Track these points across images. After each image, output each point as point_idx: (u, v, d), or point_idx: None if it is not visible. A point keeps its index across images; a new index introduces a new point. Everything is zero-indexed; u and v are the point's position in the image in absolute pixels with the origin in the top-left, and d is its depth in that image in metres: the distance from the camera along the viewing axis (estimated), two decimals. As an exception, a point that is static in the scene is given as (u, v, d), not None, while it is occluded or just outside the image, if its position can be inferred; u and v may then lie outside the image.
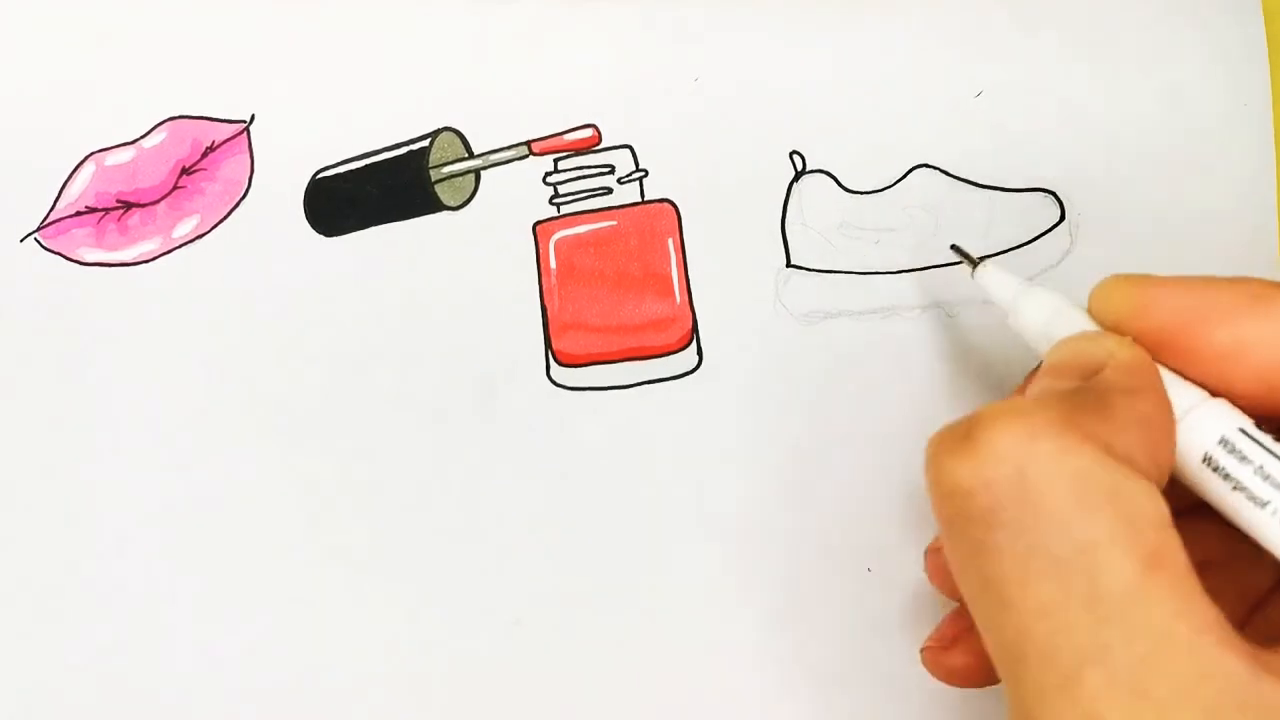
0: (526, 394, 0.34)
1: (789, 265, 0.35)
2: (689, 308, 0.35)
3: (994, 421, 0.22)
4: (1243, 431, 0.24)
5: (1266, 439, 0.24)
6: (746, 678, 0.33)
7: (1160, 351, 0.26)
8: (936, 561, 0.30)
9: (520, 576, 0.34)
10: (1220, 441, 0.24)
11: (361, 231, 0.36)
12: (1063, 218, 0.35)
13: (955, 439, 0.23)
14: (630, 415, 0.34)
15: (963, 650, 0.29)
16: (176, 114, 0.37)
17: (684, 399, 0.34)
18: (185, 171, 0.36)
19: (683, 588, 0.33)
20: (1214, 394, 0.25)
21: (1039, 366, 0.29)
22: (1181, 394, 0.25)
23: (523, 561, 0.34)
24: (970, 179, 0.35)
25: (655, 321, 0.35)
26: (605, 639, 0.33)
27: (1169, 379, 0.25)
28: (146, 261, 0.36)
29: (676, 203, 0.35)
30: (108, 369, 0.35)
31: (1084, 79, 0.36)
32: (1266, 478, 0.23)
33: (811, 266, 0.35)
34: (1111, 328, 0.27)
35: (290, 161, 0.36)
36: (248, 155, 0.36)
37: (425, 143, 0.36)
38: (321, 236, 0.36)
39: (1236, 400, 0.25)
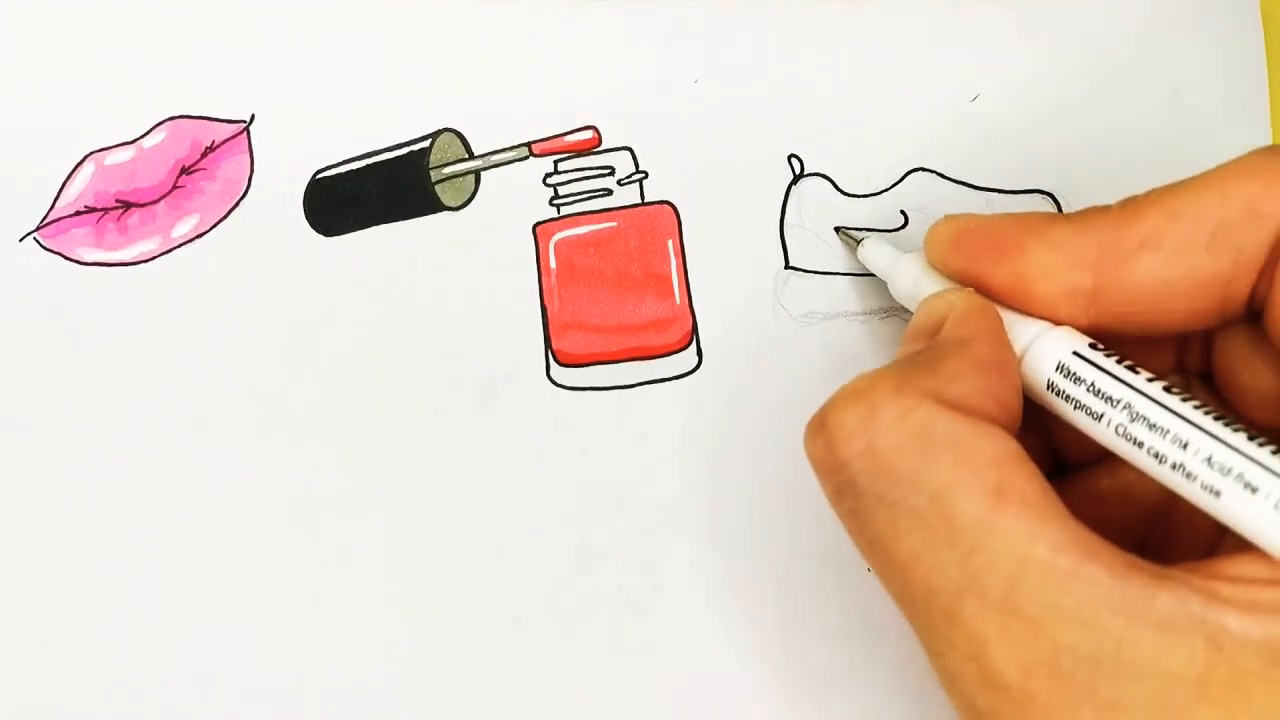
0: (526, 394, 0.34)
1: (788, 266, 0.35)
2: (689, 308, 0.35)
3: (839, 405, 0.25)
4: (1076, 354, 0.26)
5: (1099, 356, 0.26)
6: (746, 678, 0.33)
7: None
8: None
9: (520, 576, 0.34)
10: (1057, 367, 0.26)
11: (361, 231, 0.36)
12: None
13: (813, 427, 0.25)
14: (630, 415, 0.34)
15: None
16: (176, 114, 0.37)
17: (684, 399, 0.34)
18: (185, 171, 0.36)
19: (682, 588, 0.33)
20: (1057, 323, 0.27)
21: None
22: (1024, 329, 0.27)
23: (523, 561, 0.34)
24: (968, 182, 0.35)
25: (655, 322, 0.35)
26: (605, 639, 0.33)
27: (1011, 318, 0.27)
28: (146, 261, 0.36)
29: (676, 204, 0.36)
30: (107, 369, 0.35)
31: (1082, 81, 0.36)
32: (1098, 393, 0.25)
33: (810, 268, 0.35)
34: (938, 269, 0.29)
35: (290, 161, 0.36)
36: (247, 155, 0.36)
37: (425, 143, 0.36)
38: (321, 236, 0.36)
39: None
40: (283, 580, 0.34)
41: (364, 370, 0.35)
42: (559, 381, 0.35)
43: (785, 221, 0.35)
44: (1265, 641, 0.21)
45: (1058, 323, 0.27)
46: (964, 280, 0.28)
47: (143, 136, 0.37)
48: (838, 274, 0.35)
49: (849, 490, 0.24)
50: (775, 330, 0.35)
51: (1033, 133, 0.36)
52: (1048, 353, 0.26)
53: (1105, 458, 0.29)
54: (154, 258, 0.36)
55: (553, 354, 0.35)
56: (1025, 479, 0.23)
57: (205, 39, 0.37)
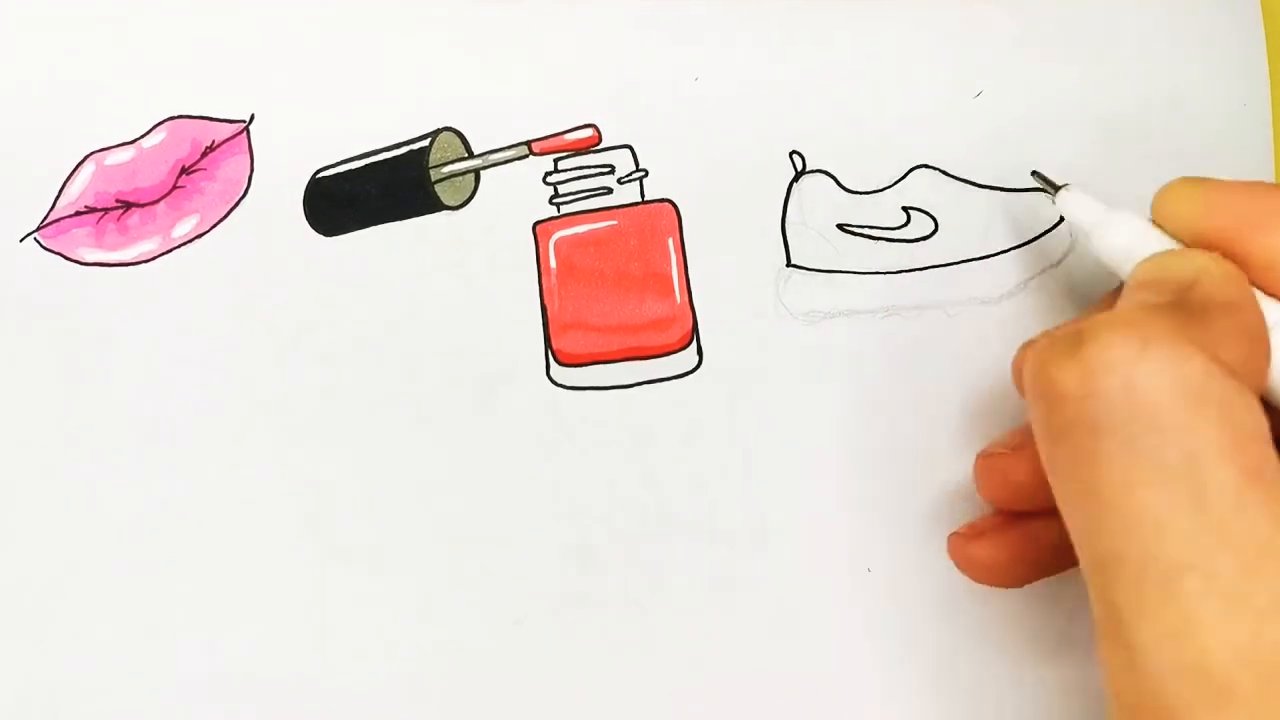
0: (526, 394, 0.34)
1: (789, 265, 0.35)
2: (689, 308, 0.35)
3: (1106, 331, 0.22)
4: None
5: None
6: (745, 678, 0.33)
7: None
8: (991, 466, 0.31)
9: (520, 576, 0.34)
10: None
11: (361, 231, 0.36)
12: (1062, 218, 0.35)
13: (1065, 347, 0.23)
14: (630, 415, 0.34)
15: (989, 543, 0.30)
16: (176, 114, 0.37)
17: (684, 399, 0.34)
18: (185, 171, 0.36)
19: (682, 588, 0.33)
20: None
21: (1116, 289, 0.29)
22: (1270, 310, 0.25)
23: (523, 561, 0.34)
24: (970, 179, 0.35)
25: (655, 321, 0.35)
26: (605, 639, 0.33)
27: (1257, 295, 0.25)
28: (146, 261, 0.36)
29: (676, 203, 0.35)
30: (107, 369, 0.35)
31: (1083, 79, 0.36)
32: None
33: (811, 266, 0.35)
34: (1174, 233, 0.27)
35: (290, 161, 0.36)
36: (247, 155, 0.36)
37: (425, 142, 0.36)
38: (321, 236, 0.36)
39: None
40: (282, 580, 0.34)
41: (364, 370, 0.35)
42: (559, 381, 0.35)
43: (787, 219, 0.35)
44: None
45: None
46: (1211, 246, 0.26)
47: (143, 136, 0.37)
48: (839, 272, 0.35)
49: (1088, 426, 0.22)
50: (776, 330, 0.35)
51: (1035, 130, 0.35)
52: None
53: None
54: (154, 258, 0.36)
55: (553, 354, 0.35)
56: (1277, 462, 0.22)
57: (205, 39, 0.37)
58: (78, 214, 0.36)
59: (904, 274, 0.35)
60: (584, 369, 0.35)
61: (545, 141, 0.36)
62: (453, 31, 0.36)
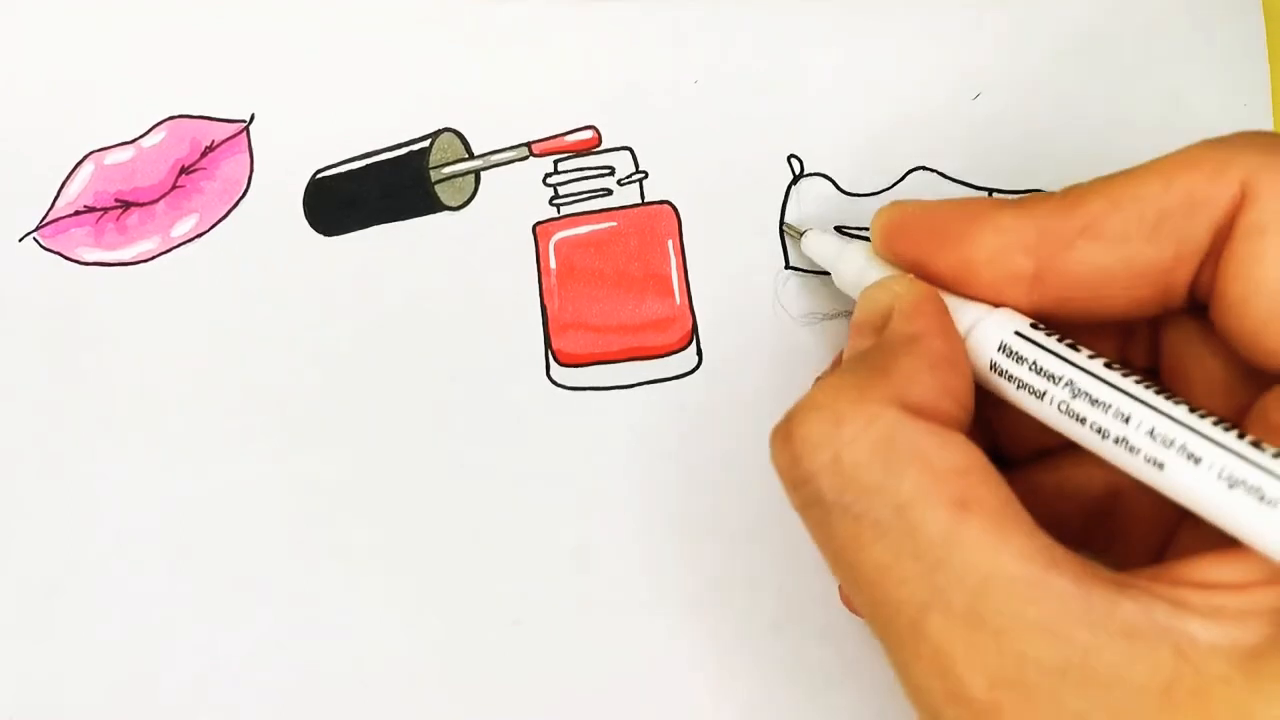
0: (526, 394, 0.34)
1: (788, 267, 0.35)
2: (689, 308, 0.35)
3: (804, 417, 0.24)
4: (1017, 333, 0.26)
5: (1040, 335, 0.26)
6: (745, 678, 0.33)
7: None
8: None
9: (520, 576, 0.34)
10: (999, 347, 0.26)
11: (361, 231, 0.36)
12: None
13: (779, 439, 0.25)
14: (630, 415, 0.34)
15: None
16: (176, 113, 0.37)
17: (684, 399, 0.34)
18: (184, 171, 0.36)
19: (682, 588, 0.33)
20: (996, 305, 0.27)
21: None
22: (966, 312, 0.27)
23: (522, 561, 0.34)
24: (969, 181, 0.35)
25: (655, 321, 0.35)
26: (605, 639, 0.33)
27: (954, 302, 0.27)
28: (145, 261, 0.36)
29: (676, 204, 0.35)
30: (107, 368, 0.35)
31: (1083, 80, 0.36)
32: (1040, 371, 0.25)
33: (810, 268, 0.35)
34: (882, 255, 0.29)
35: (290, 161, 0.36)
36: (247, 155, 0.36)
37: (425, 143, 0.36)
38: (321, 236, 0.36)
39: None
40: (282, 580, 0.34)
41: (364, 370, 0.35)
42: (559, 381, 0.35)
43: (785, 221, 0.35)
44: (1231, 648, 0.21)
45: (999, 305, 0.27)
46: (907, 267, 0.28)
47: (142, 136, 0.37)
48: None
49: (816, 503, 0.24)
50: (775, 330, 0.35)
51: (1034, 132, 0.35)
52: (990, 333, 0.26)
53: (1045, 454, 0.29)
54: (154, 257, 0.36)
55: (553, 354, 0.35)
56: (989, 488, 0.23)
57: (205, 39, 0.37)
58: (77, 213, 0.36)
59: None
60: (584, 369, 0.35)
61: (545, 143, 0.36)
62: (453, 32, 0.37)
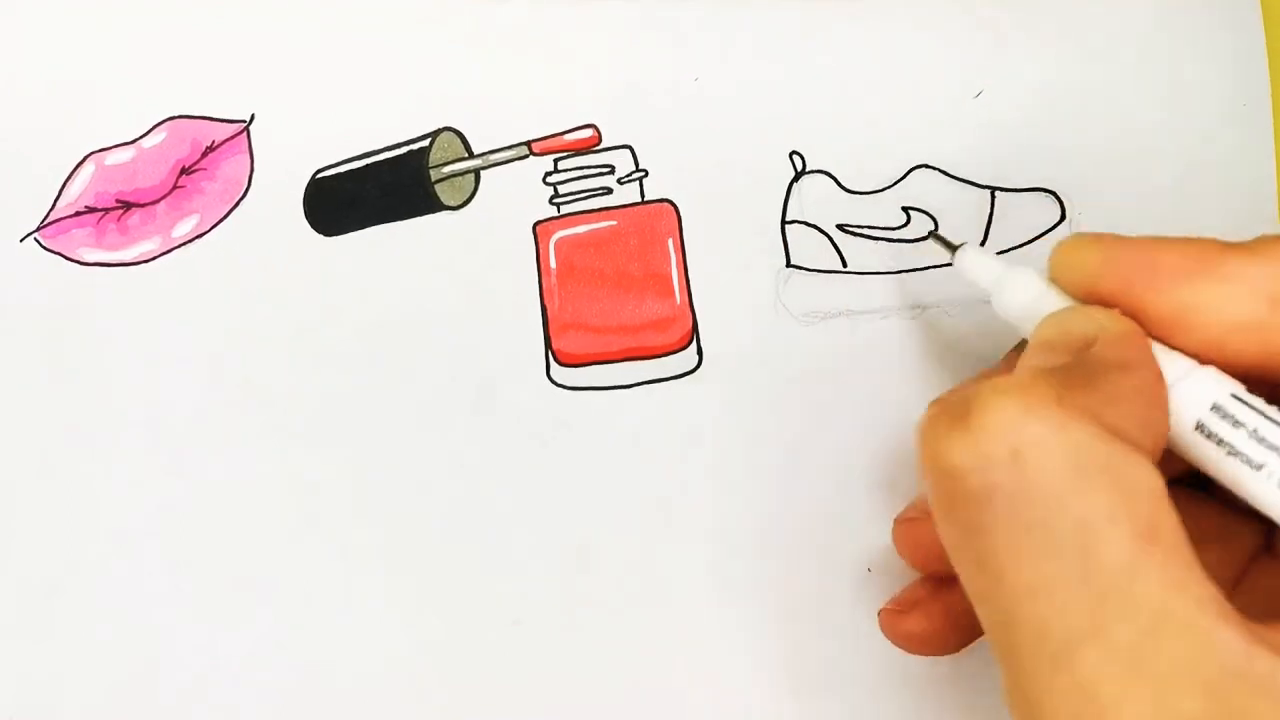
0: (526, 394, 0.34)
1: (789, 265, 0.35)
2: (689, 308, 0.35)
3: (989, 400, 0.22)
4: (1235, 397, 0.24)
5: (1258, 402, 0.24)
6: (745, 678, 0.33)
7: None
8: (907, 532, 0.30)
9: (520, 576, 0.34)
10: (1213, 408, 0.24)
11: (361, 231, 0.36)
12: (1063, 217, 0.35)
13: (950, 418, 0.22)
14: (630, 415, 0.34)
15: (920, 616, 0.30)
16: (176, 114, 0.37)
17: (684, 399, 0.34)
18: (185, 171, 0.36)
19: (682, 588, 0.33)
20: (1203, 362, 0.25)
21: (1019, 345, 0.29)
22: (1171, 364, 0.25)
23: (522, 561, 0.34)
24: (970, 179, 0.35)
25: (655, 321, 0.35)
26: (605, 639, 0.33)
27: (1158, 350, 0.25)
28: (146, 261, 0.36)
29: (676, 203, 0.35)
30: (107, 369, 0.35)
31: (1084, 79, 0.36)
32: (1261, 440, 0.23)
33: (811, 267, 0.35)
34: (1072, 290, 0.27)
35: (290, 161, 0.36)
36: (248, 155, 0.36)
37: (425, 142, 0.36)
38: (321, 236, 0.36)
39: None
40: (282, 580, 0.34)
41: (364, 370, 0.35)
42: (559, 381, 0.35)
43: (787, 219, 0.35)
44: None
45: (1205, 362, 0.25)
46: (1109, 303, 0.26)
47: (143, 136, 0.37)
48: (839, 273, 0.35)
49: (976, 498, 0.22)
50: (776, 330, 0.35)
51: (1035, 130, 0.35)
52: (1201, 392, 0.24)
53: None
54: (154, 258, 0.36)
55: (553, 354, 0.35)
56: (1173, 523, 0.21)
57: (205, 39, 0.37)
58: (78, 214, 0.36)
59: (904, 274, 0.35)
60: (584, 369, 0.35)
61: (545, 141, 0.36)
62: (453, 31, 0.36)
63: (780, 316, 0.35)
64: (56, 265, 0.36)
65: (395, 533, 0.34)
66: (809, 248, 0.35)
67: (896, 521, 0.31)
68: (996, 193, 0.35)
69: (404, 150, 0.36)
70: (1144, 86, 0.35)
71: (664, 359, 0.35)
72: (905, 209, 0.35)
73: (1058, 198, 0.35)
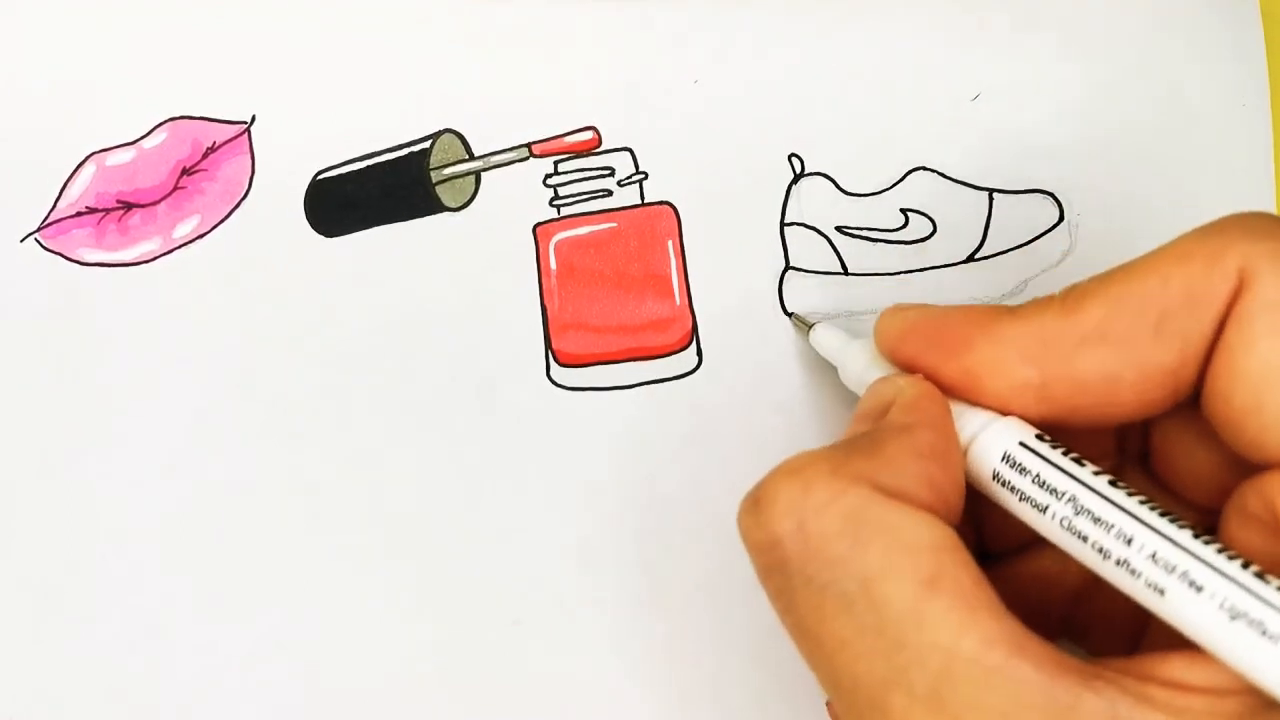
0: (526, 394, 0.34)
1: (788, 266, 0.35)
2: (689, 308, 0.35)
3: (774, 483, 0.24)
4: (1022, 444, 0.25)
5: (1045, 447, 0.25)
6: (745, 678, 0.33)
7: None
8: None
9: (520, 576, 0.34)
10: (1003, 458, 0.25)
11: (362, 232, 0.36)
12: (1062, 218, 0.35)
13: (748, 503, 0.25)
14: (630, 415, 0.34)
15: None
16: (177, 114, 0.37)
17: (684, 399, 0.34)
18: (186, 172, 0.36)
19: (682, 588, 0.33)
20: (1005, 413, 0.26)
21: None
22: (971, 419, 0.26)
23: (522, 561, 0.34)
24: (969, 181, 0.35)
25: (655, 322, 0.35)
26: (605, 639, 0.33)
27: (960, 407, 0.26)
28: (147, 262, 0.36)
29: (676, 205, 0.35)
30: (108, 369, 0.35)
31: (1082, 80, 0.36)
32: (1043, 485, 0.25)
33: (810, 268, 0.35)
34: (888, 358, 0.29)
35: (291, 162, 0.36)
36: (248, 156, 0.36)
37: (426, 144, 0.36)
38: (322, 237, 0.36)
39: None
40: (282, 580, 0.34)
41: (364, 370, 0.35)
42: (559, 381, 0.35)
43: (786, 221, 0.35)
44: None
45: (1006, 414, 0.26)
46: (916, 370, 0.27)
47: (144, 137, 0.37)
48: (838, 274, 0.35)
49: (778, 570, 0.24)
50: (775, 330, 0.35)
51: (1034, 132, 0.36)
52: (994, 443, 0.26)
53: (1029, 544, 0.28)
54: (155, 258, 0.36)
55: (553, 354, 0.35)
56: (959, 567, 0.23)
57: (205, 39, 0.37)
58: (78, 214, 0.36)
59: (902, 275, 0.35)
60: (584, 369, 0.35)
61: (545, 144, 0.36)
62: (453, 32, 0.37)
63: (780, 317, 0.35)
64: (57, 265, 0.36)
65: (395, 532, 0.34)
66: (808, 249, 0.35)
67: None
68: (995, 194, 0.35)
69: (405, 152, 0.36)
70: (1144, 86, 0.35)
71: (664, 359, 0.35)
72: (904, 211, 0.35)
73: (1056, 199, 0.35)
